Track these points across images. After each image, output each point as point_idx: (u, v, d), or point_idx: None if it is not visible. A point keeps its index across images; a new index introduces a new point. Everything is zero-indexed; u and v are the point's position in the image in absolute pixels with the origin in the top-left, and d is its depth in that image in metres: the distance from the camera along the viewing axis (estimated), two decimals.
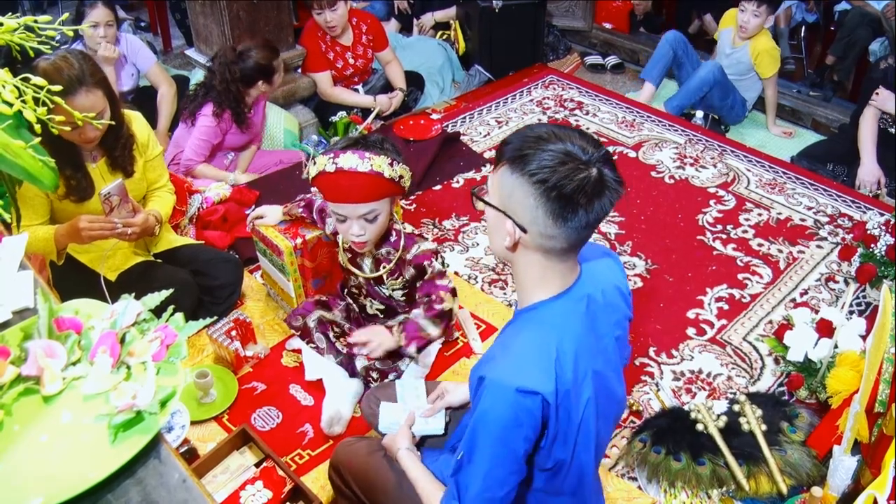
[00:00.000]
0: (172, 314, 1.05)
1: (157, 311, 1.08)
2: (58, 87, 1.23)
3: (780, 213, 3.74)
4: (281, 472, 2.27)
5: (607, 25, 5.65)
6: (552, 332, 1.50)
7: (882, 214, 3.50)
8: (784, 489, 2.34)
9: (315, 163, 2.30)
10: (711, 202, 3.81)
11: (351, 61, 4.46)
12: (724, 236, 3.57)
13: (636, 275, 3.33)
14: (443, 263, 2.46)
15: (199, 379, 2.58)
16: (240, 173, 3.87)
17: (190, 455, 2.40)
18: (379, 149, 2.30)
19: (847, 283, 3.26)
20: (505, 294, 3.22)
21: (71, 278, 2.67)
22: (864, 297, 3.20)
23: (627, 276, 3.28)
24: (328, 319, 2.71)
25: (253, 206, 3.57)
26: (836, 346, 2.67)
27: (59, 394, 0.98)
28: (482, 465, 1.50)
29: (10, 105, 1.18)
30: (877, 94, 3.87)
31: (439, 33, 5.38)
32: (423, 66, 4.90)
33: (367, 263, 2.51)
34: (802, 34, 5.41)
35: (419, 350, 2.48)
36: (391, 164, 2.26)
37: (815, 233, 3.61)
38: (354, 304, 2.69)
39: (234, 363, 2.77)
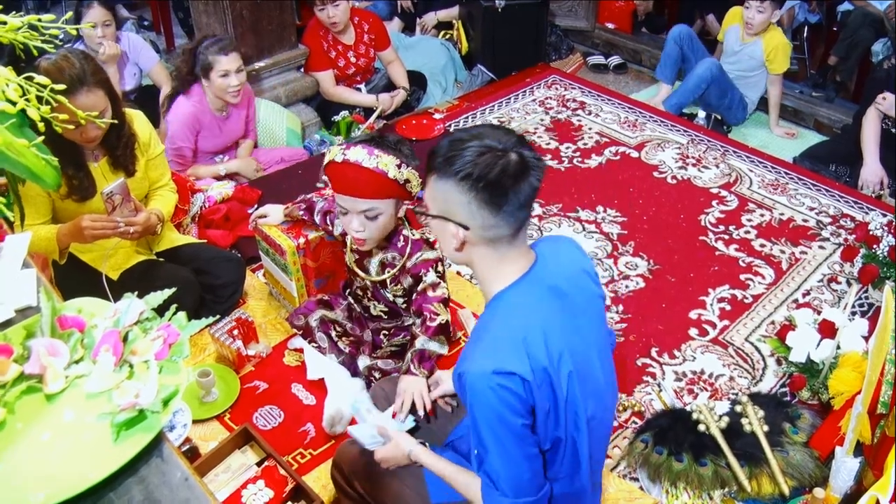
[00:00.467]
0: (175, 313, 1.05)
1: (160, 310, 1.09)
2: (60, 87, 1.23)
3: (782, 214, 3.74)
4: (282, 472, 2.27)
5: (610, 25, 5.65)
6: (516, 316, 1.58)
7: (884, 215, 3.49)
8: (786, 490, 2.33)
9: (330, 150, 2.34)
10: (714, 203, 3.81)
11: (353, 60, 4.46)
12: (726, 237, 3.57)
13: (638, 275, 3.33)
14: (442, 275, 2.44)
15: (200, 378, 2.58)
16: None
17: (191, 454, 2.40)
18: (392, 149, 2.30)
19: (849, 284, 3.26)
20: None
21: (73, 277, 2.67)
22: (867, 298, 3.19)
23: (629, 277, 3.29)
24: (330, 319, 2.71)
25: (255, 206, 3.57)
26: (838, 347, 2.67)
27: (62, 392, 0.98)
28: (497, 452, 1.55)
29: (14, 104, 1.18)
30: (883, 98, 3.86)
31: (442, 33, 5.38)
32: (426, 65, 4.90)
33: (374, 266, 2.50)
34: (805, 35, 5.40)
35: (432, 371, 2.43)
36: (399, 166, 2.26)
37: (817, 233, 3.61)
38: (357, 305, 2.69)
39: (236, 362, 2.77)
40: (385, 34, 4.56)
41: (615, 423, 2.66)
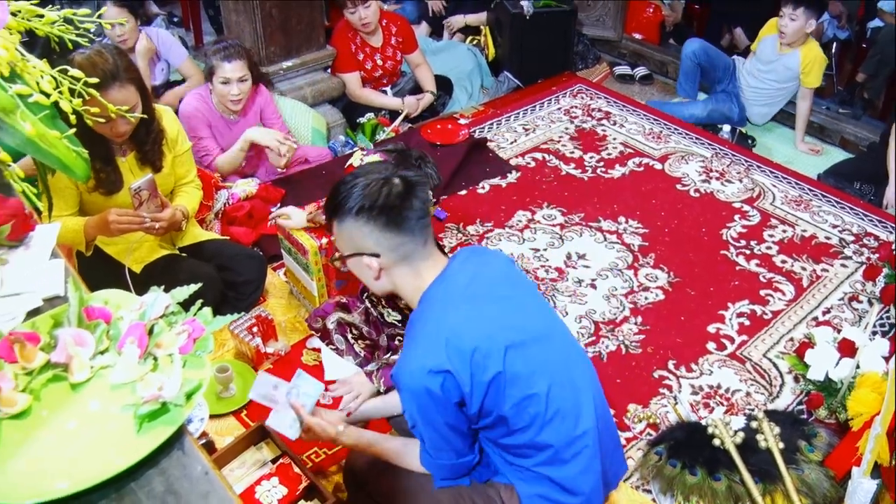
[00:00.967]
0: (200, 308, 1.06)
1: (184, 305, 1.10)
2: (93, 80, 1.25)
3: (804, 231, 3.71)
4: (297, 470, 2.28)
5: (637, 36, 5.64)
6: (437, 312, 1.71)
7: None
8: None
9: (354, 153, 2.38)
10: (736, 217, 3.80)
11: (380, 63, 4.48)
12: (747, 252, 3.55)
13: (658, 287, 3.32)
14: None
15: (219, 373, 2.61)
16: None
17: (207, 448, 2.41)
18: (412, 164, 2.33)
19: (871, 304, 3.24)
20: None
21: (96, 268, 2.70)
22: (888, 318, 3.17)
23: (648, 288, 3.29)
24: (347, 322, 2.72)
25: (279, 204, 3.60)
26: (857, 367, 2.65)
27: (87, 382, 0.99)
28: (427, 434, 1.73)
29: (48, 95, 1.20)
30: None
31: (469, 38, 5.39)
32: (453, 70, 4.91)
33: None
34: (833, 51, 5.37)
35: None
36: None
37: (839, 251, 3.58)
38: (373, 310, 2.70)
39: (255, 359, 2.78)
40: (413, 37, 4.57)
41: (630, 434, 2.65)
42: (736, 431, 2.48)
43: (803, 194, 4.00)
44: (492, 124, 4.57)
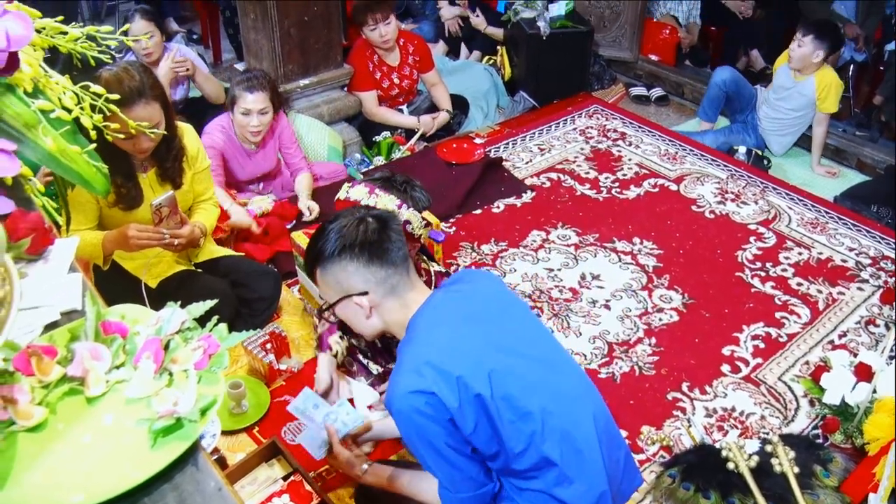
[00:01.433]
0: (216, 324, 1.06)
1: (199, 321, 1.10)
2: (114, 97, 1.27)
3: (821, 253, 3.70)
4: (308, 487, 2.28)
5: (653, 57, 5.65)
6: (423, 336, 1.72)
7: None
8: None
9: (342, 189, 2.42)
10: (752, 239, 3.78)
11: (397, 81, 4.50)
12: (762, 274, 3.54)
13: (672, 308, 3.31)
14: None
15: (232, 389, 2.61)
16: (306, 197, 3.77)
17: (219, 464, 2.41)
18: (398, 190, 2.35)
19: (888, 328, 3.21)
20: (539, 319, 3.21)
21: (112, 283, 2.71)
22: None
23: (663, 310, 3.27)
24: (353, 343, 2.71)
25: (294, 221, 3.62)
26: (874, 392, 2.63)
27: (103, 396, 1.00)
28: (430, 459, 1.71)
29: (69, 111, 1.21)
30: None
31: (485, 58, 5.41)
32: (469, 89, 4.93)
33: None
34: (850, 73, 5.36)
35: None
36: (399, 206, 2.31)
37: (856, 274, 3.56)
38: (379, 341, 2.69)
39: (268, 376, 2.79)
40: (429, 56, 4.60)
41: (643, 456, 2.64)
42: (750, 455, 2.46)
43: (819, 217, 3.98)
44: (507, 144, 4.58)
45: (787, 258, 3.66)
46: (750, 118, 4.67)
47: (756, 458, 2.45)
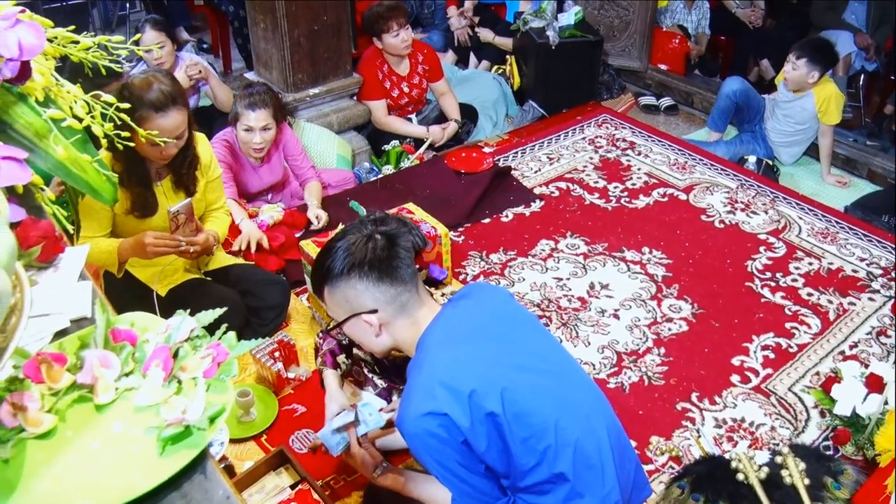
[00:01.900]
0: (225, 332, 1.06)
1: (209, 329, 1.10)
2: (126, 105, 1.27)
3: (831, 263, 3.68)
4: (316, 496, 2.28)
5: (663, 67, 5.64)
6: (433, 356, 1.70)
7: None
8: None
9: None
10: (761, 249, 3.77)
11: (406, 91, 4.51)
12: (772, 284, 3.52)
13: (682, 318, 3.30)
14: None
15: (240, 397, 2.61)
16: (315, 206, 3.76)
17: (227, 472, 2.41)
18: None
19: None
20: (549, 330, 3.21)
21: (122, 290, 2.72)
22: None
23: (672, 319, 3.26)
24: (360, 358, 2.69)
25: (303, 230, 3.62)
26: (886, 403, 2.61)
27: (112, 403, 1.00)
28: (445, 479, 1.69)
29: (80, 120, 1.22)
30: None
31: (495, 67, 5.42)
32: (478, 99, 4.94)
33: None
34: (861, 83, 5.35)
35: None
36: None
37: (867, 285, 3.55)
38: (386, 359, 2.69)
39: (276, 384, 2.79)
40: (439, 66, 4.61)
41: (652, 467, 2.63)
42: (760, 466, 2.45)
43: (830, 226, 3.96)
44: (516, 153, 4.58)
45: (797, 268, 3.64)
46: (759, 128, 4.67)
47: (766, 469, 2.44)
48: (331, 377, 2.41)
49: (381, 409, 2.29)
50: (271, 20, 4.03)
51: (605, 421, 1.81)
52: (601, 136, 4.79)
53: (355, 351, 2.68)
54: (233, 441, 2.59)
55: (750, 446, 2.71)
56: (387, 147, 4.36)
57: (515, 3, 5.60)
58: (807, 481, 2.39)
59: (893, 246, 3.81)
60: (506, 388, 1.64)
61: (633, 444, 2.09)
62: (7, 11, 1.06)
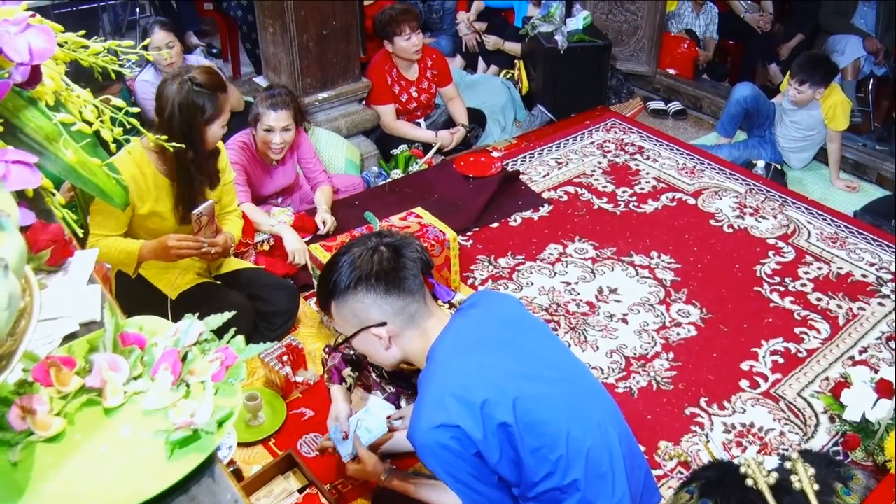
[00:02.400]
0: (234, 336, 1.07)
1: (217, 333, 1.11)
2: (136, 109, 1.28)
3: (840, 268, 3.67)
4: (324, 500, 2.28)
5: (671, 71, 5.64)
6: (444, 368, 1.69)
7: None
8: None
9: None
10: (770, 253, 3.76)
11: (415, 95, 4.52)
12: (781, 289, 3.51)
13: (690, 323, 3.29)
14: None
15: (248, 401, 2.61)
16: (324, 210, 3.75)
17: (235, 476, 2.41)
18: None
19: None
20: (558, 336, 3.20)
21: (132, 293, 2.73)
22: None
23: (680, 324, 3.26)
24: (368, 363, 2.69)
25: (312, 234, 3.63)
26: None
27: (120, 407, 1.00)
28: (459, 491, 1.68)
29: (90, 124, 1.22)
30: None
31: (503, 72, 5.42)
32: (486, 103, 4.94)
33: None
34: (870, 87, 5.33)
35: None
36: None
37: (876, 290, 3.53)
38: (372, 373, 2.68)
39: (284, 388, 2.79)
40: (447, 70, 4.62)
41: (660, 472, 2.62)
42: (769, 472, 2.43)
43: (839, 231, 3.95)
44: (525, 157, 4.58)
45: (806, 273, 3.63)
46: (768, 133, 4.65)
47: (775, 474, 2.42)
48: (336, 392, 2.41)
49: (388, 416, 2.30)
50: (280, 25, 4.04)
51: (617, 429, 1.80)
52: (609, 141, 4.78)
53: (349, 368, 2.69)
54: (241, 445, 2.59)
55: (759, 451, 2.70)
56: (395, 151, 4.36)
57: (524, 8, 5.61)
58: (816, 487, 2.38)
59: None
60: (518, 397, 1.63)
61: (642, 448, 2.08)
62: (18, 16, 1.07)
